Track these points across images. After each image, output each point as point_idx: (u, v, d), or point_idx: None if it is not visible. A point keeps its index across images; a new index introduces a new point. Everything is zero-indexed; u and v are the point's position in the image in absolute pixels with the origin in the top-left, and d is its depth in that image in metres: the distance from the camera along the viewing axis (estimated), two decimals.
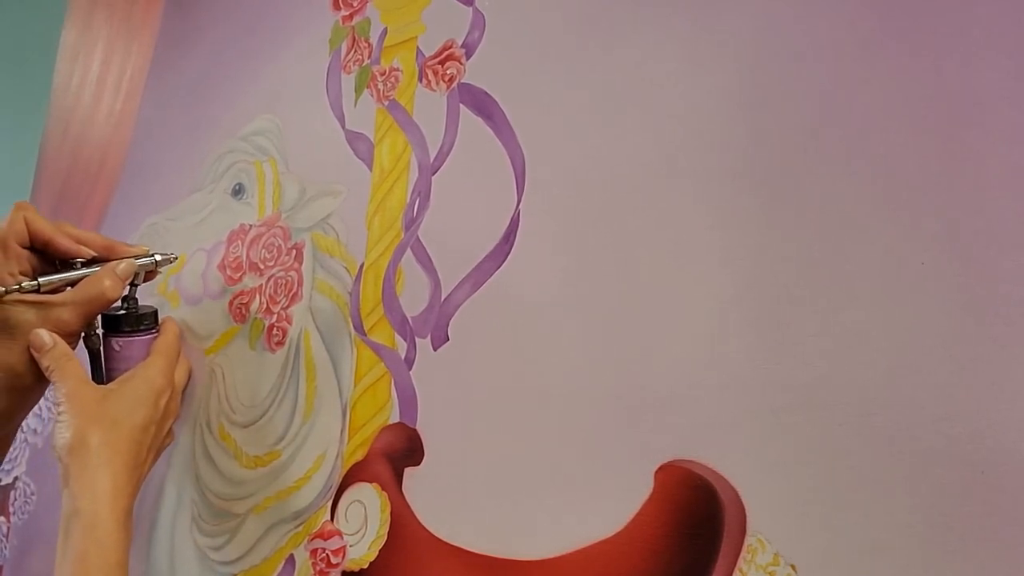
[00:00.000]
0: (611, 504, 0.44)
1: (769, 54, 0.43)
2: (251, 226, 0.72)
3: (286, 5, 0.76)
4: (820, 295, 0.39)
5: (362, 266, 0.61)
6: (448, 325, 0.54)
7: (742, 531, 0.39)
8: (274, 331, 0.66)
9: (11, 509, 0.98)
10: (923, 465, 0.35)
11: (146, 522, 0.75)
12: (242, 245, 0.72)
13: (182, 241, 0.80)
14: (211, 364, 0.72)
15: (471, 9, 0.59)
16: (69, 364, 0.56)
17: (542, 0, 0.55)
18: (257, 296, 0.69)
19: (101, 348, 0.62)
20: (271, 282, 0.68)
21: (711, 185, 0.44)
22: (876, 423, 0.36)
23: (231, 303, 0.71)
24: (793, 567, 0.37)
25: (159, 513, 0.74)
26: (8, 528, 0.97)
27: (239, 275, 0.71)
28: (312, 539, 0.58)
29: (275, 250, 0.69)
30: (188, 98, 0.88)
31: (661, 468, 0.42)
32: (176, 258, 0.66)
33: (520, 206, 0.52)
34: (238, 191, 0.75)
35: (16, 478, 0.98)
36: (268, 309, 0.68)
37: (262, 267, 0.69)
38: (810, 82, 0.41)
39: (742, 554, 0.39)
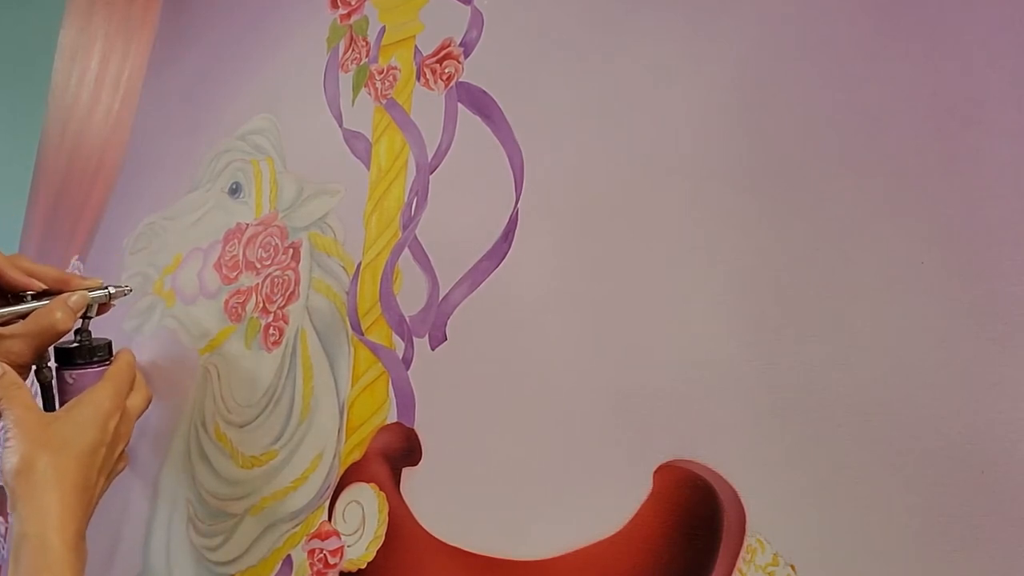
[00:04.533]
0: (610, 504, 0.43)
1: (768, 54, 0.43)
2: (248, 225, 0.72)
3: (284, 4, 0.76)
4: (820, 295, 0.39)
5: (359, 265, 0.61)
6: (446, 324, 0.54)
7: (741, 531, 0.39)
8: (270, 330, 0.66)
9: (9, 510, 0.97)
10: (923, 465, 0.34)
11: (142, 522, 0.74)
12: (239, 244, 0.72)
13: (179, 240, 0.80)
14: (206, 364, 0.71)
15: (469, 8, 0.58)
16: (18, 392, 0.56)
17: None
18: (253, 295, 0.69)
19: (54, 381, 0.62)
20: (268, 281, 0.68)
21: (711, 184, 0.43)
22: (876, 423, 0.36)
23: (227, 302, 0.71)
24: (792, 567, 0.37)
25: (155, 513, 0.73)
26: (7, 529, 0.97)
27: (235, 274, 0.71)
28: (310, 539, 0.58)
29: (272, 249, 0.69)
30: (186, 97, 0.87)
31: (660, 468, 0.42)
32: (130, 290, 0.66)
33: (518, 205, 0.52)
34: (235, 190, 0.75)
35: None
36: (264, 308, 0.67)
37: (259, 266, 0.69)
38: (809, 82, 0.41)
39: (741, 554, 0.38)
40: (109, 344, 0.64)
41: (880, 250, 0.37)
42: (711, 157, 0.44)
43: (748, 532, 0.39)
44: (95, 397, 0.58)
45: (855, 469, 0.36)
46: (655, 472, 0.42)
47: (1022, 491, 0.32)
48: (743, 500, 0.39)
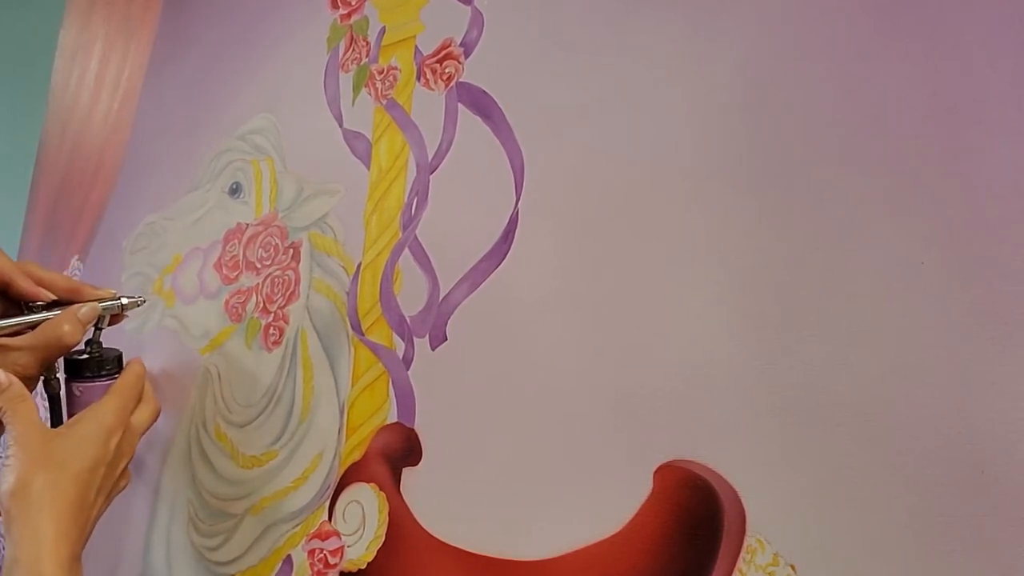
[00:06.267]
0: (610, 504, 0.43)
1: (768, 54, 0.43)
2: (248, 225, 0.72)
3: (284, 4, 0.76)
4: (820, 295, 0.39)
5: (360, 265, 0.61)
6: (446, 325, 0.54)
7: (742, 531, 0.39)
8: (271, 330, 0.66)
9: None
10: (923, 465, 0.34)
11: (142, 522, 0.74)
12: (239, 244, 0.72)
13: (179, 240, 0.80)
14: (207, 364, 0.71)
15: (470, 8, 0.58)
16: (22, 406, 0.54)
17: None
18: (254, 295, 0.69)
19: (62, 393, 0.60)
20: (268, 281, 0.68)
21: (710, 185, 0.43)
22: (875, 423, 0.36)
23: (227, 302, 0.71)
24: (792, 567, 0.37)
25: (156, 513, 0.73)
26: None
27: (236, 274, 0.71)
28: (310, 539, 0.58)
29: (272, 249, 0.69)
30: (185, 97, 0.87)
31: (660, 468, 0.42)
32: (144, 301, 0.64)
33: (519, 205, 0.52)
34: (235, 190, 0.75)
35: None
36: (265, 308, 0.67)
37: (259, 266, 0.69)
38: (809, 82, 0.41)
39: (741, 554, 0.38)
40: (119, 356, 0.63)
41: (880, 250, 0.37)
42: (711, 157, 0.44)
43: (748, 532, 0.39)
44: (98, 413, 0.57)
45: (855, 469, 0.36)
46: (655, 472, 0.42)
47: (1022, 491, 0.32)
48: (743, 500, 0.39)
